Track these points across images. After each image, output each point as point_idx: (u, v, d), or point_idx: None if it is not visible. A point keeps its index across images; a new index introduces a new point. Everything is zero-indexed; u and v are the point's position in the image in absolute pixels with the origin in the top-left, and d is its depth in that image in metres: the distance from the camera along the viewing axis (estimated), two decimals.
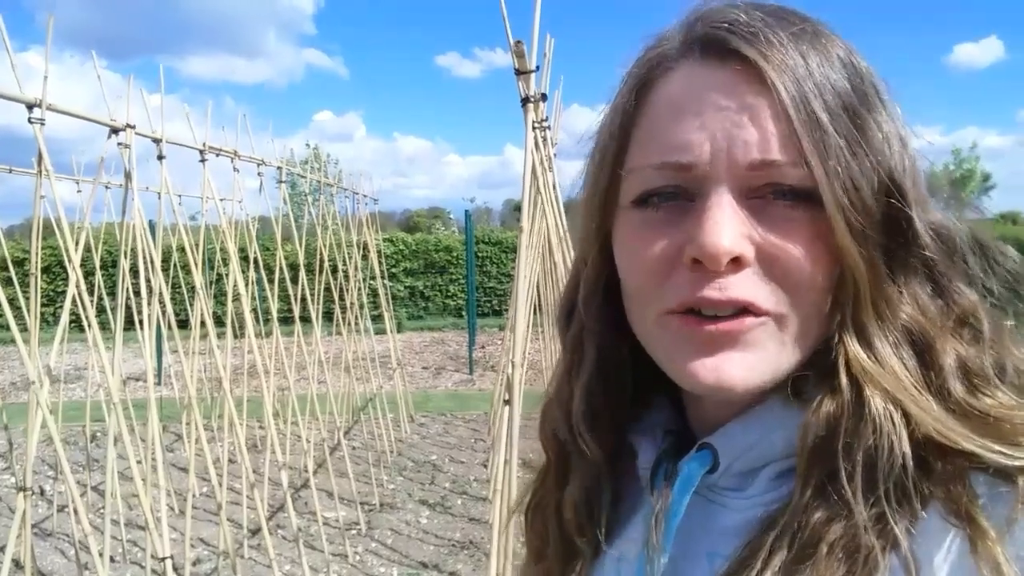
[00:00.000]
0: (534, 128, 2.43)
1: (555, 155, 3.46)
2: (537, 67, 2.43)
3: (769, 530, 0.48)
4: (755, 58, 0.47)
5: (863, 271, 0.47)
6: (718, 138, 0.48)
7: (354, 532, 4.82)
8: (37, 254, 3.09)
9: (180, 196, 4.81)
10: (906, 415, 0.46)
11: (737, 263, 0.47)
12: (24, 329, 2.72)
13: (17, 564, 3.00)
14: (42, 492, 5.55)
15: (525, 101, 2.38)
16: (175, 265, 6.32)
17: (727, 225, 0.47)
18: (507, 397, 2.44)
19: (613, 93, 0.57)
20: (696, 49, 0.51)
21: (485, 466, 5.97)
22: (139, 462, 3.59)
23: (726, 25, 0.50)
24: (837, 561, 0.44)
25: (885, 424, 0.46)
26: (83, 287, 2.72)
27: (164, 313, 4.00)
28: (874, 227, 0.47)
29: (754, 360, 0.49)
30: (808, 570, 0.45)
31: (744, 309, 0.48)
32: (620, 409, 0.62)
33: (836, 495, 0.46)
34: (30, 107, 2.41)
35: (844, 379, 0.48)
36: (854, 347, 0.48)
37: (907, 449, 0.45)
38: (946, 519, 0.44)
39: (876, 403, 0.46)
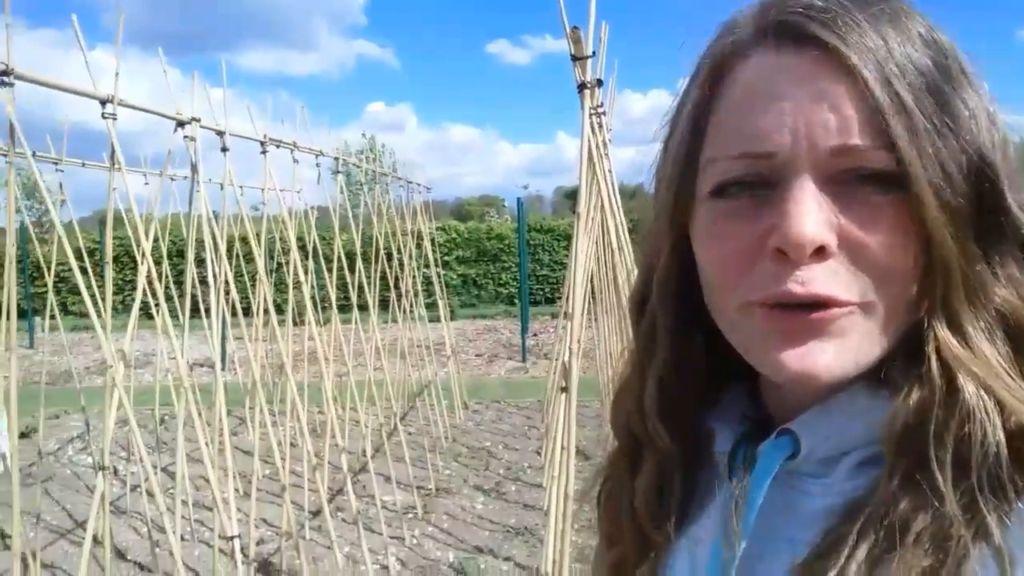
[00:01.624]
0: (591, 114, 2.41)
1: (610, 140, 3.43)
2: (593, 52, 2.41)
3: (854, 518, 0.47)
4: (834, 42, 0.46)
5: (954, 255, 0.46)
6: (798, 125, 0.47)
7: (411, 516, 4.91)
8: (110, 244, 3.23)
9: (242, 187, 4.94)
10: (999, 403, 0.45)
11: (821, 252, 0.46)
12: (98, 315, 2.84)
13: (96, 540, 3.15)
14: (116, 472, 5.80)
15: (582, 87, 2.36)
16: (237, 254, 6.50)
17: (810, 214, 0.46)
18: (564, 384, 2.44)
19: (683, 82, 0.57)
20: (771, 36, 0.50)
21: (539, 453, 6.00)
22: (206, 444, 3.73)
23: (801, 10, 0.48)
24: (924, 551, 0.43)
25: (978, 412, 0.44)
26: (154, 275, 2.83)
27: (228, 301, 4.14)
28: (965, 209, 0.46)
29: (840, 350, 0.48)
30: (895, 559, 0.44)
31: (828, 303, 0.47)
32: (695, 398, 0.62)
33: (925, 484, 0.45)
34: (103, 103, 2.51)
35: (935, 366, 0.46)
36: (944, 333, 0.47)
37: (1001, 438, 0.44)
38: None
39: (969, 390, 0.45)
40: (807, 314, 0.48)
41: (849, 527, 0.47)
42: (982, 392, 0.45)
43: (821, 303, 0.47)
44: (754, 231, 0.49)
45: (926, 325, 0.48)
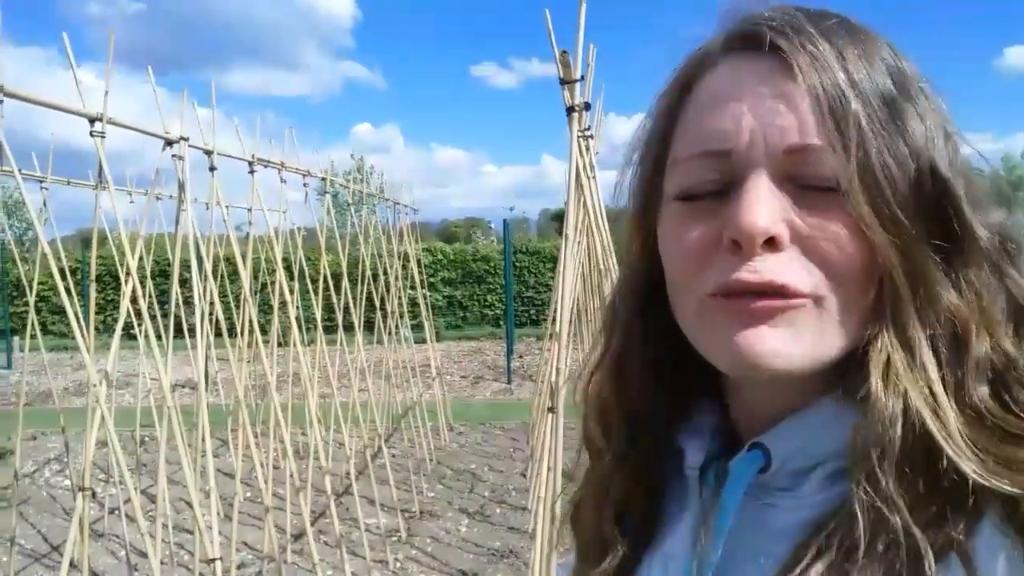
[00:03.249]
0: (578, 137, 2.44)
1: (596, 163, 3.46)
2: (581, 76, 2.44)
3: (820, 531, 0.47)
4: (792, 50, 0.49)
5: (896, 259, 0.47)
6: (755, 125, 0.49)
7: (395, 539, 4.85)
8: (94, 263, 3.20)
9: (228, 207, 4.93)
10: (908, 414, 0.46)
11: (774, 244, 0.48)
12: (82, 335, 2.81)
13: (72, 564, 3.09)
14: (94, 495, 5.70)
15: (570, 110, 2.39)
16: (222, 274, 6.47)
17: (763, 205, 0.47)
18: (551, 404, 2.44)
19: (657, 94, 0.59)
20: (735, 46, 0.53)
21: (524, 475, 5.97)
22: (190, 466, 3.68)
23: (764, 22, 0.51)
24: (887, 564, 0.44)
25: (892, 426, 0.45)
26: (139, 294, 2.80)
27: (213, 321, 4.11)
28: (911, 216, 0.47)
29: (791, 338, 0.48)
30: (857, 573, 0.44)
31: (780, 292, 0.48)
32: (665, 408, 0.62)
33: (887, 497, 0.45)
34: (92, 121, 2.51)
35: (881, 378, 0.47)
36: (888, 339, 0.48)
37: (951, 454, 0.44)
38: (998, 526, 0.43)
39: (888, 403, 0.46)
40: (758, 300, 0.48)
41: (814, 540, 0.47)
42: (892, 403, 0.46)
43: (774, 290, 0.48)
44: (712, 227, 0.51)
45: (875, 330, 0.48)
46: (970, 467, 0.43)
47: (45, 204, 4.25)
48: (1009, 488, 0.43)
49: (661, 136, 0.57)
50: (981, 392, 0.46)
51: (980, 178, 0.52)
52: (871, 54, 0.50)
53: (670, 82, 0.58)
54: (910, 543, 0.43)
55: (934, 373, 0.47)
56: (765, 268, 0.48)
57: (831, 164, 0.47)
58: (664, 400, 0.62)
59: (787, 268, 0.48)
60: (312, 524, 4.12)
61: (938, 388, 0.46)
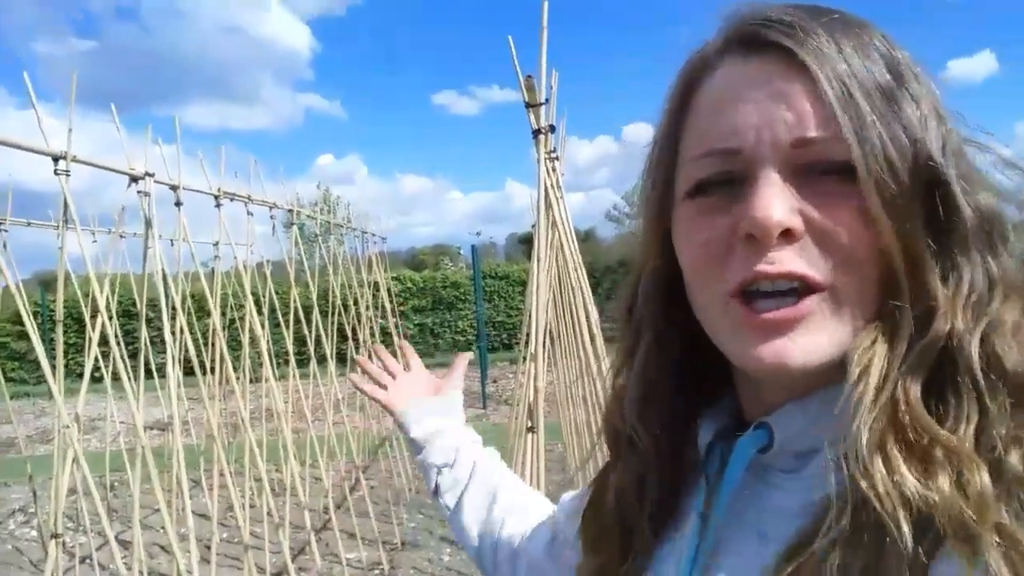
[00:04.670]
0: (545, 158, 2.48)
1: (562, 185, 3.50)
2: (546, 99, 2.49)
3: (825, 513, 0.48)
4: (791, 46, 0.51)
5: (897, 247, 0.48)
6: (760, 122, 0.51)
7: (377, 572, 4.77)
8: (60, 303, 3.14)
9: (193, 243, 4.87)
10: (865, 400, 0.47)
11: (788, 236, 0.49)
12: (43, 381, 2.75)
13: None
14: (64, 544, 5.52)
15: (536, 133, 2.43)
16: (189, 311, 6.37)
17: (776, 199, 0.49)
18: (530, 424, 2.45)
19: (663, 99, 0.61)
20: (735, 46, 0.55)
21: None
22: (158, 510, 3.59)
23: (763, 21, 0.53)
24: (890, 547, 0.44)
25: (854, 414, 0.47)
26: (110, 333, 2.76)
27: (182, 360, 4.04)
28: (910, 202, 0.49)
29: (814, 341, 0.50)
30: (863, 554, 0.45)
31: (800, 285, 0.50)
32: (680, 402, 0.64)
33: (872, 481, 0.45)
34: (56, 159, 2.48)
35: (860, 361, 0.48)
36: (877, 325, 0.49)
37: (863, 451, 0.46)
38: None
39: (867, 387, 0.47)
40: (781, 309, 0.50)
41: (820, 522, 0.48)
42: (865, 385, 0.47)
43: (794, 279, 0.50)
44: (727, 222, 0.52)
45: (872, 314, 0.50)
46: (875, 473, 0.45)
47: (5, 246, 4.17)
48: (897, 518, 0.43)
49: (669, 142, 0.58)
50: (914, 389, 0.47)
51: (978, 166, 0.53)
52: (867, 46, 0.52)
53: (673, 87, 0.60)
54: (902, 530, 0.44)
55: (898, 360, 0.48)
56: (783, 258, 0.50)
57: (838, 154, 0.49)
58: (687, 390, 0.63)
59: (804, 257, 0.50)
60: (292, 561, 4.04)
61: (893, 374, 0.47)
